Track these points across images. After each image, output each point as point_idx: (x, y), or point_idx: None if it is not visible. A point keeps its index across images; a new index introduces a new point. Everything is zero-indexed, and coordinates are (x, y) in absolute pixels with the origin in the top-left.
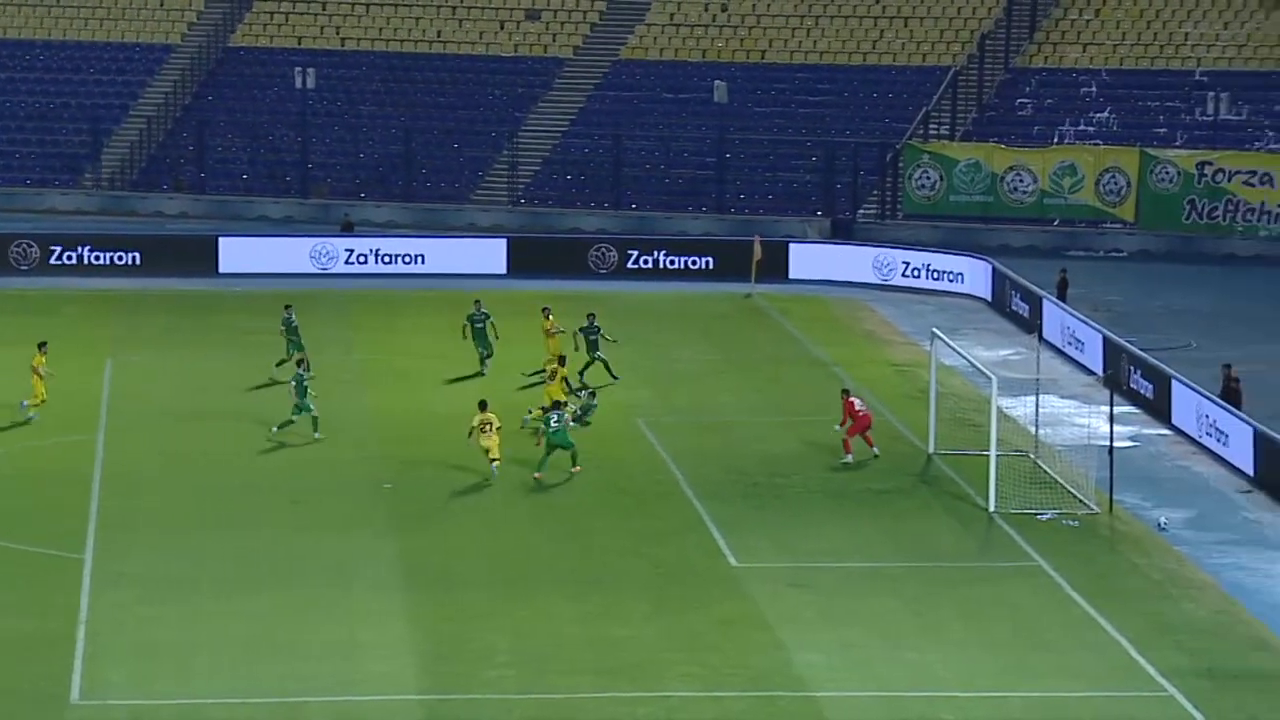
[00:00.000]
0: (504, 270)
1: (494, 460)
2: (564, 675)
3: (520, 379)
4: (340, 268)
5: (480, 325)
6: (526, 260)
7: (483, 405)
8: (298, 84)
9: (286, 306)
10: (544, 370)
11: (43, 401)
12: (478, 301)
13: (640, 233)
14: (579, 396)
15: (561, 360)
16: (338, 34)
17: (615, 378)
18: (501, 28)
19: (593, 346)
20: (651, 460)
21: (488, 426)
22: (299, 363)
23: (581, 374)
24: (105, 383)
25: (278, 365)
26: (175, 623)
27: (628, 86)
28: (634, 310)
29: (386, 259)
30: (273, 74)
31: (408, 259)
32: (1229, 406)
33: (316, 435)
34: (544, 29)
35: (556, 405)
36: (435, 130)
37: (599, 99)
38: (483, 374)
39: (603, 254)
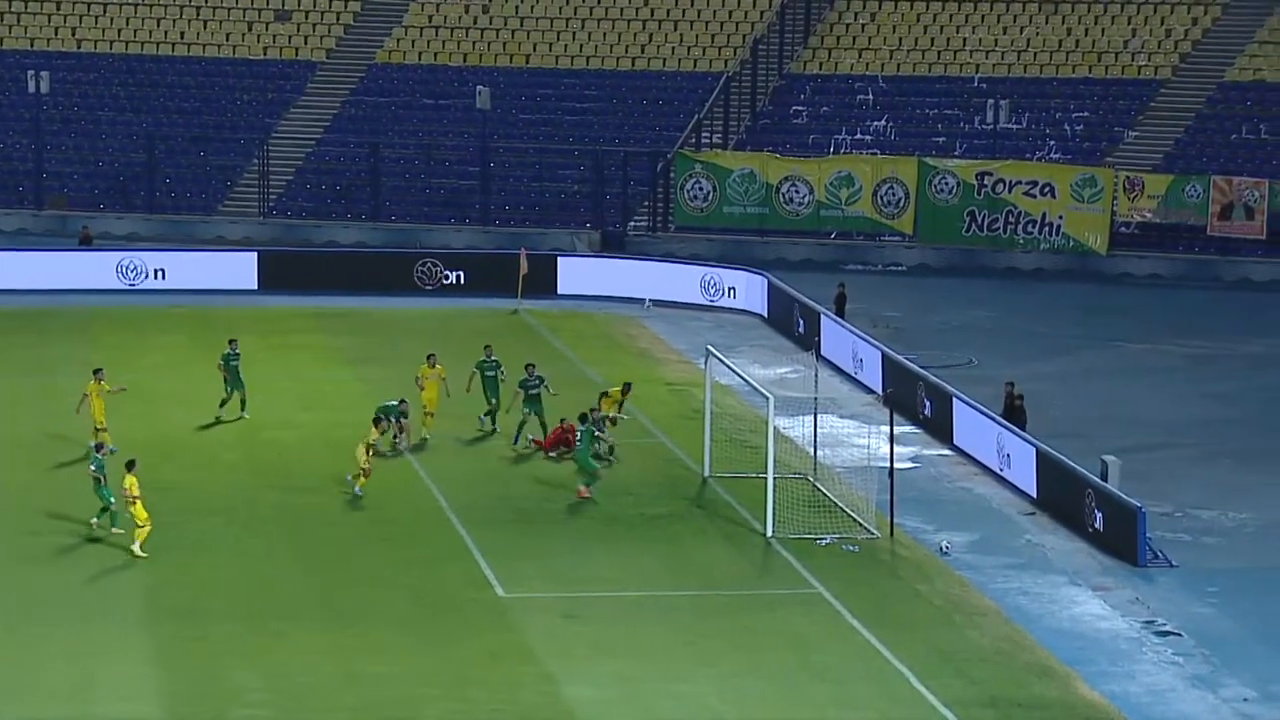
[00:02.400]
0: (254, 286)
1: (359, 476)
2: (319, 714)
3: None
4: (80, 283)
5: (492, 374)
6: (278, 275)
7: (377, 420)
8: (31, 88)
9: (231, 341)
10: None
11: None
12: (488, 347)
13: (402, 245)
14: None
15: (626, 388)
16: (73, 35)
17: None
18: (250, 29)
19: (534, 401)
20: (414, 485)
21: (371, 449)
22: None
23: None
24: None
25: (221, 405)
26: None
27: (385, 91)
28: (391, 327)
29: (129, 273)
30: (3, 77)
31: (151, 274)
32: (1011, 426)
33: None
34: (295, 30)
35: (583, 419)
36: (180, 137)
37: (355, 104)
38: (495, 431)
39: (430, 269)
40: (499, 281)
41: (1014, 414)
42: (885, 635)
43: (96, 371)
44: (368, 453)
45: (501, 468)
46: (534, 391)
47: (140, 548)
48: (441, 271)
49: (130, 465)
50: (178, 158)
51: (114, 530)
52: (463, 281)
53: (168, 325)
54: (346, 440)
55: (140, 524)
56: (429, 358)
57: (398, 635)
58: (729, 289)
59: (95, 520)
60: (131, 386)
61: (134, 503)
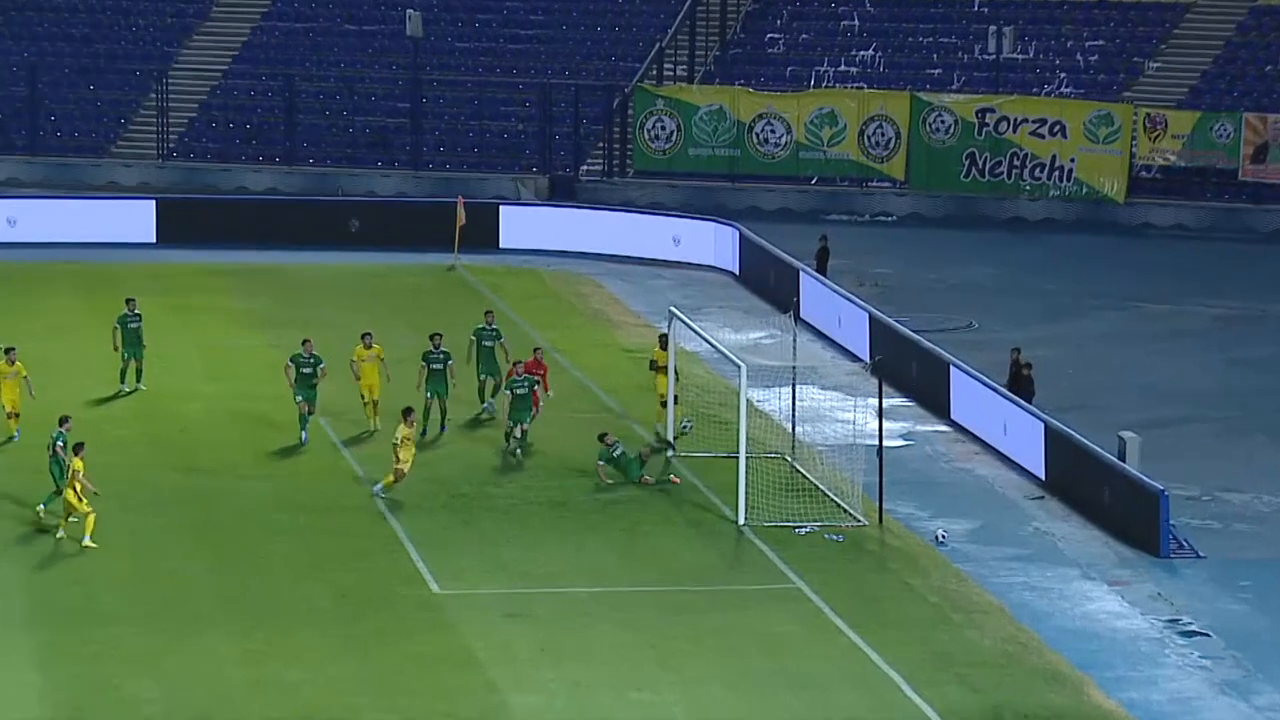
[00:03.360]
0: (153, 239)
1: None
2: None
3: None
4: None
5: (490, 345)
6: (180, 227)
7: (407, 413)
8: None
9: (129, 301)
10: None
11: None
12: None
13: (319, 193)
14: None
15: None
16: None
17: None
18: None
19: (488, 356)
20: (335, 467)
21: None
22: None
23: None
24: None
25: (123, 377)
26: None
27: (301, 17)
28: (311, 286)
29: (9, 225)
30: None
31: (35, 225)
32: (1017, 398)
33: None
34: None
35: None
36: (67, 69)
37: (266, 32)
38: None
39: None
40: (432, 234)
41: (1020, 385)
42: (873, 636)
43: (8, 351)
44: (397, 453)
45: (436, 446)
46: (487, 344)
47: (90, 539)
48: (362, 224)
49: (78, 449)
50: (63, 92)
51: (41, 509)
52: (387, 234)
53: (54, 284)
54: (258, 414)
55: (83, 512)
56: (364, 338)
57: (317, 637)
58: (694, 242)
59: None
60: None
61: (73, 489)
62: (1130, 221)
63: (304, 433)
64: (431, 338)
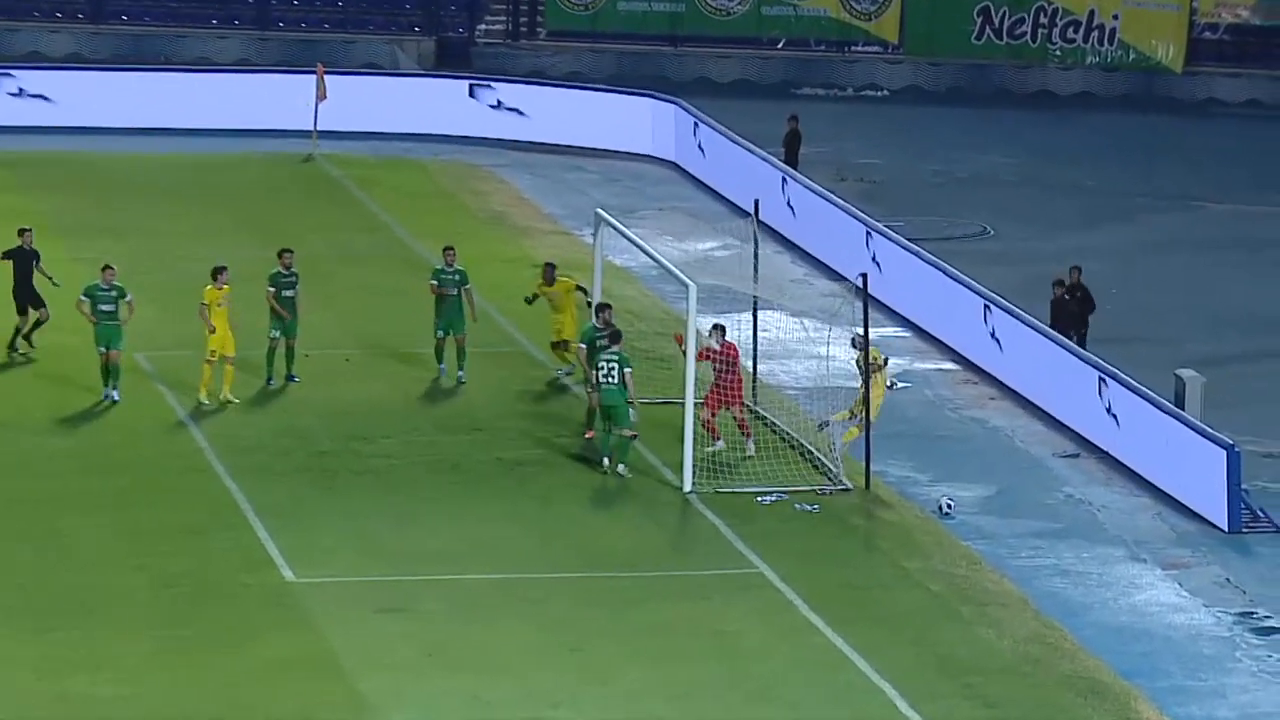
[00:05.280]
0: None
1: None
2: None
3: None
4: None
5: (454, 292)
6: None
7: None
8: None
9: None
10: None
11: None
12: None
13: (136, 62)
14: None
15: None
16: None
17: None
18: None
19: (452, 307)
20: (160, 417)
21: None
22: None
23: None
24: None
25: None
26: None
27: None
28: (125, 180)
29: None
30: None
31: None
32: (1048, 329)
33: None
34: None
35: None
36: None
37: None
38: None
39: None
40: (284, 113)
41: (1065, 316)
42: (858, 635)
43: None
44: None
45: (291, 391)
46: (451, 292)
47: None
48: (194, 101)
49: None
50: None
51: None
52: (225, 114)
53: None
54: (57, 349)
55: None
56: (216, 274)
57: (133, 640)
58: (625, 124)
59: None
60: None
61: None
62: (1190, 96)
63: (113, 391)
64: (281, 255)
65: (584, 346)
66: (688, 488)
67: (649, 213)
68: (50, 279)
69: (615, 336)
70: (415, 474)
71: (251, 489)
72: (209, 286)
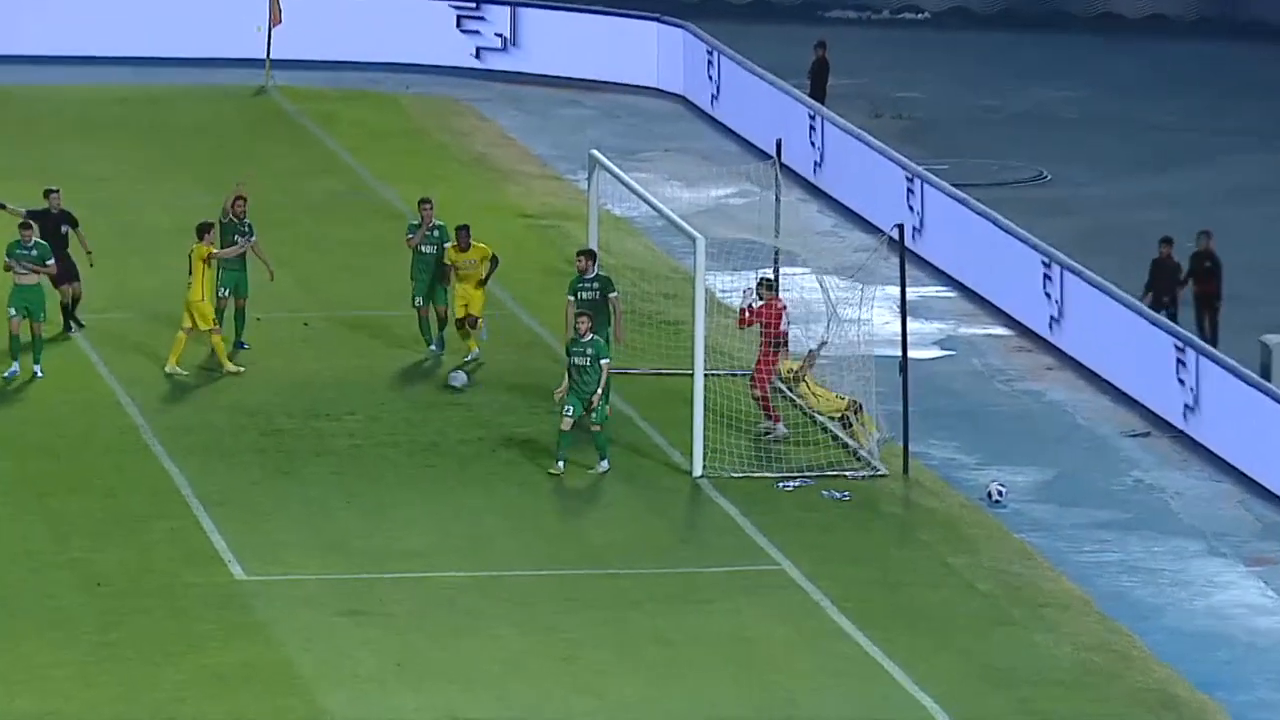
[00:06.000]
0: None
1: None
2: None
3: None
4: None
5: (430, 250)
6: None
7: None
8: None
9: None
10: None
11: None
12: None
13: None
14: None
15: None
16: None
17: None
18: None
19: (426, 267)
20: (92, 391)
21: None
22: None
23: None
24: None
25: None
26: None
27: None
28: (53, 117)
29: None
30: None
31: None
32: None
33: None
34: None
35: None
36: None
37: None
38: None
39: None
40: (233, 39)
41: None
42: (893, 642)
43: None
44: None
45: (241, 360)
46: (426, 250)
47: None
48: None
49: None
50: None
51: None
52: (168, 40)
53: None
54: None
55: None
56: (203, 232)
57: (59, 648)
58: (626, 52)
59: None
60: None
61: None
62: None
63: (34, 366)
64: (233, 203)
65: (571, 299)
66: (698, 472)
67: (653, 154)
68: (88, 253)
69: (607, 284)
70: (384, 456)
71: (195, 473)
72: (197, 244)
